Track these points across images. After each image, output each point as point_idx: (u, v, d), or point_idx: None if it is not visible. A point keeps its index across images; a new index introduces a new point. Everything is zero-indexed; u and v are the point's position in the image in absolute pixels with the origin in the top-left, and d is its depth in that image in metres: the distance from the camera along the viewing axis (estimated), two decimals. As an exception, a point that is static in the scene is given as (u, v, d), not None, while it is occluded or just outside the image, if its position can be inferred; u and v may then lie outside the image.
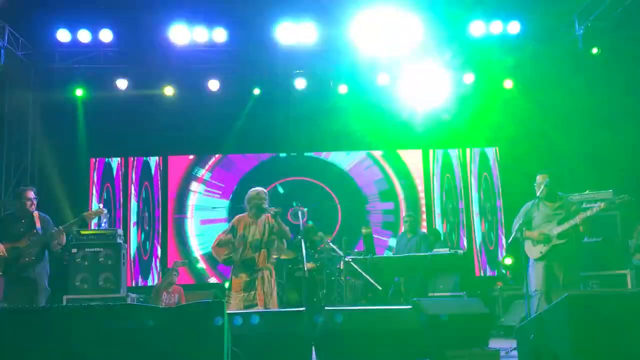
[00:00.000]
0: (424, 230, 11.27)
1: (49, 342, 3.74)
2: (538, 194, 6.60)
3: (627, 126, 10.12)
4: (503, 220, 11.93)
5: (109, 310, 3.51)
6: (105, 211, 6.97)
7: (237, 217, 6.56)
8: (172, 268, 9.13)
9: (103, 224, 9.69)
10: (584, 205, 7.78)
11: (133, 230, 11.76)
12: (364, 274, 7.53)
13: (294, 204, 7.25)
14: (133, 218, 11.84)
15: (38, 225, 6.91)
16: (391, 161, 12.21)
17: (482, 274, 11.76)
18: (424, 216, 11.97)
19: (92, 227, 10.68)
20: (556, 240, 6.44)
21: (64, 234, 6.90)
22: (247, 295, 6.21)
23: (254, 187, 6.73)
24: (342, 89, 11.40)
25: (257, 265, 6.32)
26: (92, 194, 11.78)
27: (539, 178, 6.66)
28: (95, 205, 11.45)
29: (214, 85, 11.20)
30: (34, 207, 6.98)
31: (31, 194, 6.99)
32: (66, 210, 10.66)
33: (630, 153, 10.12)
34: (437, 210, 12.14)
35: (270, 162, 12.14)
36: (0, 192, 10.50)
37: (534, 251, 6.56)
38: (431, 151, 12.26)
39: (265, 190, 6.61)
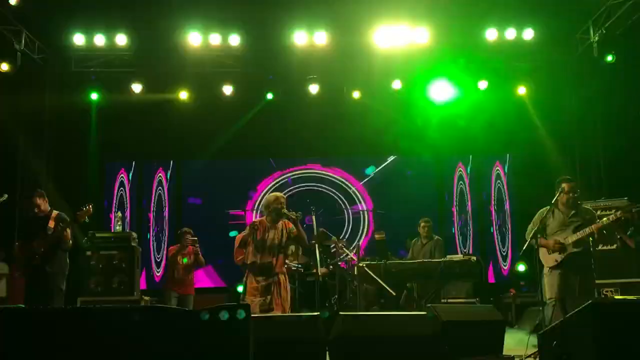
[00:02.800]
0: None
1: (66, 344, 3.75)
2: (563, 200, 6.53)
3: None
4: (514, 227, 11.90)
5: (129, 312, 3.53)
6: (90, 211, 6.98)
7: (256, 220, 6.56)
8: (182, 233, 9.10)
9: (117, 227, 9.74)
10: (598, 213, 7.75)
11: (145, 232, 11.81)
12: (377, 279, 7.52)
13: (311, 210, 7.23)
14: (146, 221, 11.90)
15: (51, 225, 6.97)
16: (404, 167, 12.21)
17: (494, 281, 11.73)
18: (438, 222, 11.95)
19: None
20: (572, 248, 6.40)
21: (66, 231, 6.92)
22: (263, 300, 6.21)
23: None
24: (355, 94, 11.41)
25: (274, 270, 6.32)
26: (106, 197, 11.85)
27: (566, 186, 6.56)
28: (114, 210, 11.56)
29: (227, 89, 11.25)
30: (42, 209, 7.05)
31: (37, 200, 7.04)
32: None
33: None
34: (451, 215, 12.13)
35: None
36: (15, 195, 10.55)
37: (549, 259, 6.52)
38: (448, 158, 12.26)
39: (285, 195, 6.62)
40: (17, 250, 7.02)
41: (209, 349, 3.34)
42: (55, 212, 7.09)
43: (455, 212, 12.15)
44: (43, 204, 7.06)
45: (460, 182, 12.21)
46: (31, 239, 6.92)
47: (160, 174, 12.06)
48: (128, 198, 11.92)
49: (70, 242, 7.04)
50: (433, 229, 9.40)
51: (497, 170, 12.22)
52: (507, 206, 12.11)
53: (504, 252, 11.94)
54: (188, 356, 3.25)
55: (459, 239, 12.05)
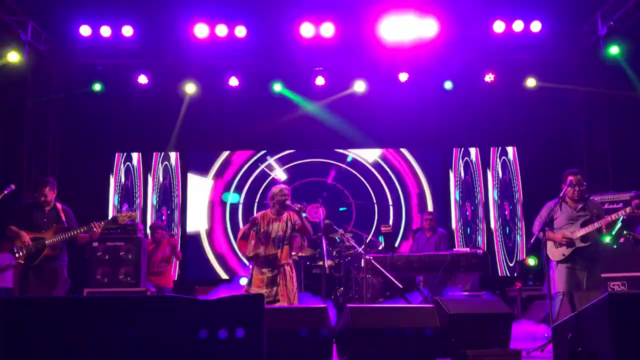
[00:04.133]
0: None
1: (70, 335, 3.75)
2: (570, 194, 6.50)
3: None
4: (522, 220, 11.87)
5: (140, 303, 3.51)
6: (137, 215, 6.95)
7: (259, 213, 6.57)
8: (152, 229, 9.29)
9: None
10: (605, 207, 7.72)
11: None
12: (384, 271, 7.52)
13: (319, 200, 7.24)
14: (152, 212, 11.91)
15: (63, 217, 6.94)
16: (409, 159, 12.18)
17: (500, 274, 11.71)
18: (443, 215, 11.94)
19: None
20: (579, 242, 6.38)
21: (100, 229, 6.90)
22: (269, 291, 6.22)
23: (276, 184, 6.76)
24: (362, 86, 11.38)
25: (279, 261, 6.33)
26: (111, 188, 11.86)
27: (572, 178, 6.53)
28: (117, 206, 11.60)
29: (234, 81, 11.24)
30: (50, 199, 6.99)
31: (46, 191, 6.97)
32: (86, 205, 10.75)
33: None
34: (456, 208, 12.10)
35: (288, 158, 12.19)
36: (21, 187, 10.56)
37: (556, 253, 6.50)
38: (453, 149, 12.23)
39: (289, 187, 6.62)
40: (24, 238, 6.85)
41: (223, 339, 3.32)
42: (60, 205, 7.06)
43: (461, 205, 12.11)
44: (50, 194, 7.02)
45: (466, 175, 12.17)
46: (38, 229, 6.86)
47: (165, 165, 12.05)
48: (134, 189, 11.92)
49: None
50: (438, 222, 9.39)
51: (504, 163, 12.17)
52: (515, 199, 12.06)
53: (511, 245, 11.91)
54: (200, 345, 3.24)
55: (464, 231, 12.01)
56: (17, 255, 6.74)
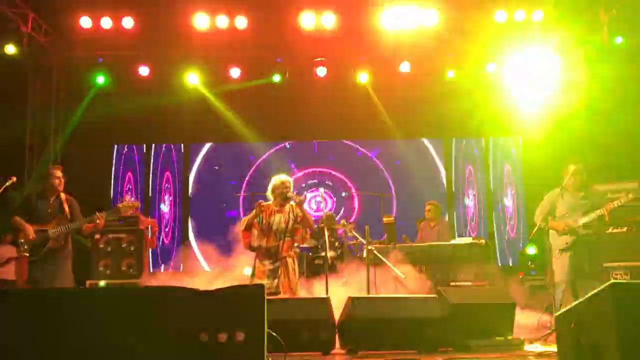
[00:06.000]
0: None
1: (76, 325, 3.77)
2: (571, 183, 6.50)
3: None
4: (525, 210, 11.86)
5: (145, 292, 3.52)
6: (139, 204, 6.88)
7: (262, 204, 6.52)
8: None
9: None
10: (608, 196, 7.69)
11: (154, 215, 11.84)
12: (387, 262, 7.51)
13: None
14: (154, 204, 11.92)
15: (66, 209, 6.89)
16: (414, 149, 12.17)
17: (503, 264, 11.71)
18: (446, 205, 11.93)
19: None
20: (582, 231, 6.38)
21: (103, 219, 6.85)
22: (270, 282, 6.21)
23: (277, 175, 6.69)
24: (363, 77, 11.34)
25: (281, 253, 6.32)
26: (113, 180, 11.87)
27: (574, 168, 6.52)
28: (127, 197, 11.56)
29: (235, 72, 11.21)
30: (62, 186, 6.95)
31: (59, 173, 6.97)
32: (89, 196, 10.74)
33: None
34: (459, 198, 12.10)
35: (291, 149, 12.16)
36: (24, 179, 10.57)
37: (559, 242, 6.50)
38: (454, 140, 12.20)
39: (290, 179, 6.58)
40: (27, 231, 6.80)
41: (226, 327, 3.33)
42: (64, 195, 7.03)
43: (463, 195, 12.11)
44: (63, 179, 7.00)
45: (469, 164, 12.15)
46: (43, 221, 6.80)
47: (168, 157, 12.06)
48: (135, 181, 11.93)
49: None
50: (442, 212, 9.38)
51: (508, 152, 12.16)
52: (518, 189, 12.05)
53: (513, 234, 11.91)
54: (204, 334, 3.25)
55: (468, 221, 12.01)
56: (21, 248, 6.69)
